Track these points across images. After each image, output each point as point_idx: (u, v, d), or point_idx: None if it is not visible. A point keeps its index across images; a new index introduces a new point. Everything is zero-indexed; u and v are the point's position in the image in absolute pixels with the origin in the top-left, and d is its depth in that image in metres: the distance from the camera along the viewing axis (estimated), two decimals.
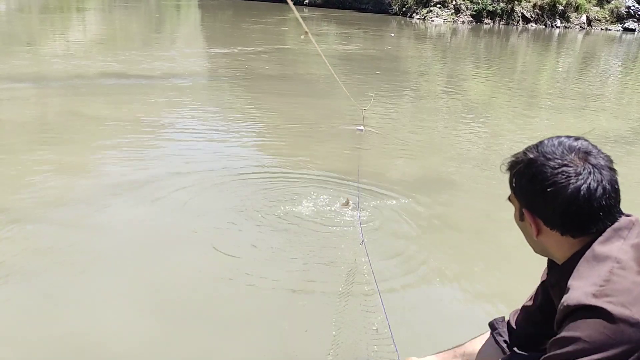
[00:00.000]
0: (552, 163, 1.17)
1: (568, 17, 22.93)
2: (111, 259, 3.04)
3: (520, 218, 1.28)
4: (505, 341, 1.49)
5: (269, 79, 8.76)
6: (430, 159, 5.11)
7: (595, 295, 1.08)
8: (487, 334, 1.55)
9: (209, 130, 5.76)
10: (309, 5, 26.63)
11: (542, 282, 1.47)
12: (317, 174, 4.42)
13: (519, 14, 22.76)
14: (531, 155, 1.21)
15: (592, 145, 1.22)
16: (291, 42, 14.10)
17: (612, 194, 1.17)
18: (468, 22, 22.73)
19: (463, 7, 23.10)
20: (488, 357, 1.51)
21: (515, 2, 22.61)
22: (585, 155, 1.18)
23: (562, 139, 1.21)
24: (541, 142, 1.22)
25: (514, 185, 1.25)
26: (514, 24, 22.66)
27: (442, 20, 22.80)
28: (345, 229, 3.44)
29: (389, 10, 24.92)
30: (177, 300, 2.70)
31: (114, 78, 8.09)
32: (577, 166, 1.16)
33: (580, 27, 22.80)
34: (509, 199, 1.31)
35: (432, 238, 3.46)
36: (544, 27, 22.69)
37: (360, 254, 3.02)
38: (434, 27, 21.53)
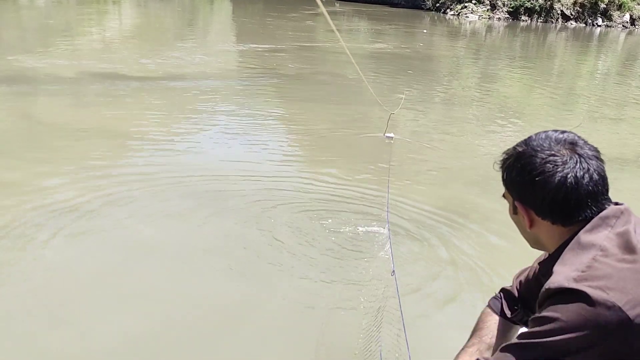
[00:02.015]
0: (540, 154, 1.23)
1: (610, 15, 21.99)
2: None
3: (513, 212, 1.33)
4: (493, 308, 1.57)
5: (292, 79, 8.51)
6: (461, 175, 4.76)
7: (575, 280, 1.13)
8: (490, 315, 1.56)
9: (215, 136, 5.41)
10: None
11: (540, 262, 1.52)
12: (342, 188, 4.09)
13: (558, 12, 21.95)
14: (520, 149, 1.27)
15: (578, 137, 1.26)
16: (320, 38, 13.86)
17: (599, 181, 1.22)
18: (504, 19, 22.05)
19: (500, 3, 22.41)
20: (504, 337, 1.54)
21: None
22: (572, 145, 1.23)
23: (549, 132, 1.27)
24: (529, 137, 1.29)
25: (505, 178, 1.31)
26: (552, 22, 21.87)
27: (477, 17, 22.19)
28: (371, 254, 3.13)
29: (422, 6, 24.39)
30: None
31: (121, 80, 7.84)
32: (564, 156, 1.22)
33: (623, 26, 21.84)
34: (504, 195, 1.35)
35: (469, 271, 3.11)
36: (584, 25, 21.83)
37: (390, 286, 2.71)
38: (468, 24, 20.96)
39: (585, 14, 22.01)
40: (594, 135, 6.57)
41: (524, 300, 1.54)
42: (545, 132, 1.28)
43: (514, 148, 1.29)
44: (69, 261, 2.91)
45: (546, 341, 1.13)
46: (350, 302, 2.72)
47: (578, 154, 1.22)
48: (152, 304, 2.62)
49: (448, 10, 23.17)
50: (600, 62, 14.20)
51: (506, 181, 1.31)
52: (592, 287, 1.10)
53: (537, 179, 1.22)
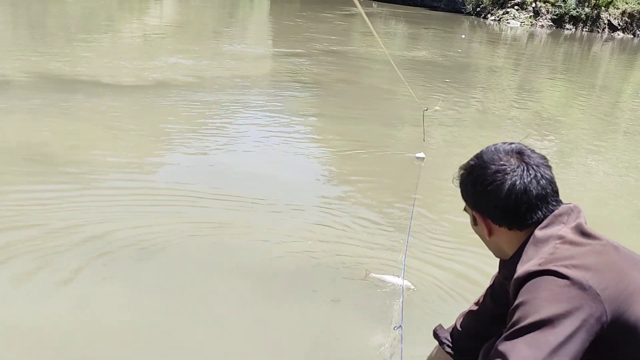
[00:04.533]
0: (491, 166, 1.33)
1: None
2: None
3: (474, 222, 1.42)
4: (448, 345, 1.68)
5: (317, 87, 8.25)
6: None
7: (540, 264, 1.20)
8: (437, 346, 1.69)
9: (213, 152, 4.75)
10: (379, 0, 25.95)
11: (490, 287, 1.64)
12: (355, 221, 3.50)
13: (605, 21, 21.12)
14: (472, 163, 1.38)
15: (526, 147, 1.38)
16: (354, 42, 13.65)
17: (547, 185, 1.31)
18: (547, 27, 21.35)
19: (543, 10, 21.72)
20: None
21: (602, 8, 20.98)
22: (519, 155, 1.33)
23: (498, 145, 1.39)
24: (481, 151, 1.39)
25: (462, 192, 1.40)
26: (598, 32, 21.07)
27: (519, 23, 21.55)
28: (377, 304, 2.60)
29: (462, 10, 23.88)
30: None
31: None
32: (512, 164, 1.31)
33: None
34: (465, 209, 1.44)
35: None
36: (632, 36, 20.95)
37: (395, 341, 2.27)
38: (509, 30, 20.38)
39: (634, 25, 21.12)
40: (637, 158, 6.12)
41: (464, 335, 1.64)
42: (494, 145, 1.40)
43: (468, 162, 1.40)
44: None
45: (532, 322, 1.15)
46: None
47: (525, 162, 1.32)
48: None
49: (489, 15, 22.61)
50: None
51: (463, 194, 1.41)
52: (558, 266, 1.17)
53: (489, 188, 1.32)
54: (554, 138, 6.80)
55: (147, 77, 7.23)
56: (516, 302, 1.20)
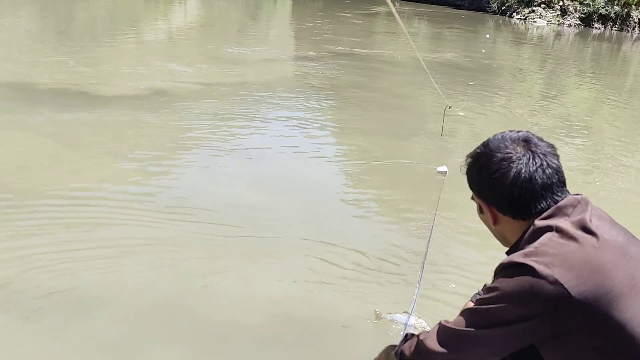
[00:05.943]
0: (497, 154, 1.31)
1: None
2: None
3: (480, 211, 1.41)
4: None
5: (332, 94, 8.01)
6: None
7: (525, 255, 1.20)
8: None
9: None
10: None
11: None
12: (361, 249, 3.07)
13: (636, 20, 20.55)
14: (479, 151, 1.37)
15: (533, 135, 1.35)
16: (376, 45, 13.53)
17: (553, 174, 1.29)
18: (575, 26, 20.89)
19: (571, 8, 21.25)
20: None
21: (632, 6, 20.42)
22: (526, 143, 1.32)
23: (505, 133, 1.36)
24: (488, 139, 1.38)
25: (468, 179, 1.40)
26: (628, 30, 20.51)
27: (546, 22, 21.12)
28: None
29: (487, 8, 23.51)
30: None
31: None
32: (518, 153, 1.30)
33: None
34: (472, 197, 1.42)
35: None
36: None
37: None
38: (535, 29, 19.99)
39: None
40: None
41: None
42: (501, 133, 1.37)
43: (475, 150, 1.39)
44: None
45: (490, 307, 1.21)
46: None
47: (531, 151, 1.30)
48: None
49: (514, 14, 22.23)
50: None
51: (469, 182, 1.40)
52: (538, 262, 1.17)
53: (494, 176, 1.31)
54: (580, 143, 6.63)
55: (139, 86, 6.60)
56: (491, 284, 1.24)
